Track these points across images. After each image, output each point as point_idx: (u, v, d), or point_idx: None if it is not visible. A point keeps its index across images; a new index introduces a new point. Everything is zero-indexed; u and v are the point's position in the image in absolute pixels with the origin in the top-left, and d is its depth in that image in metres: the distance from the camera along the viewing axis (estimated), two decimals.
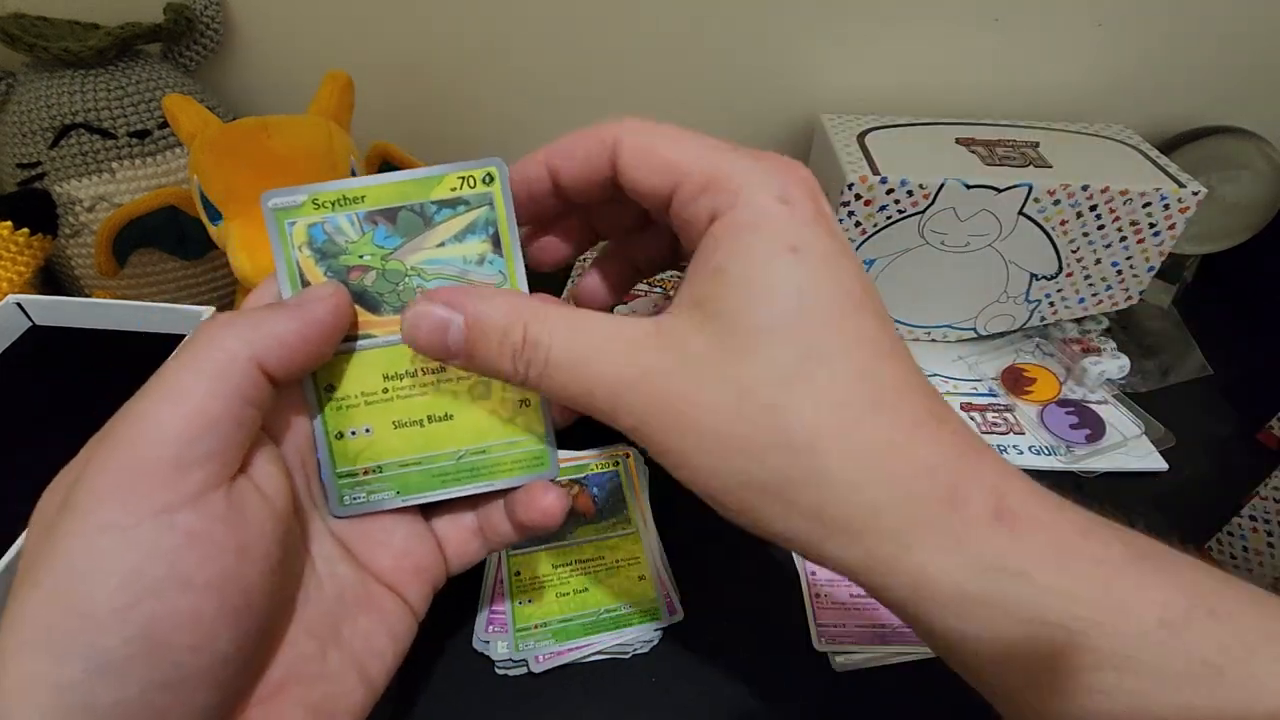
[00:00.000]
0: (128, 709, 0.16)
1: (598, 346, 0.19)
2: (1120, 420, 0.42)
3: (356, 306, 0.22)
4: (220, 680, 0.18)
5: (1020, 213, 0.40)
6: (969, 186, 0.39)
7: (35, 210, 0.40)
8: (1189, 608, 0.17)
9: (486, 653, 0.30)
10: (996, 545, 0.17)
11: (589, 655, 0.30)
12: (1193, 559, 0.18)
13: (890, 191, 0.40)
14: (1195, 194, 0.40)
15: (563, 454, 0.39)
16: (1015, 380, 0.44)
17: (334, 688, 0.20)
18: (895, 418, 0.18)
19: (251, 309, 0.20)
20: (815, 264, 0.18)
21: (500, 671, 0.30)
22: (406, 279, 0.22)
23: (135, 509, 0.17)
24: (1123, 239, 0.41)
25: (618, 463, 0.38)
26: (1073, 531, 0.18)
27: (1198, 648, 0.16)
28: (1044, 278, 0.44)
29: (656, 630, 0.32)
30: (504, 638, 0.30)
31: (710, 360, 0.18)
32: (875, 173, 0.39)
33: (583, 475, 0.37)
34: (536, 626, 0.31)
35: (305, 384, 0.22)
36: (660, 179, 0.20)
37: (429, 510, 0.24)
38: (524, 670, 0.30)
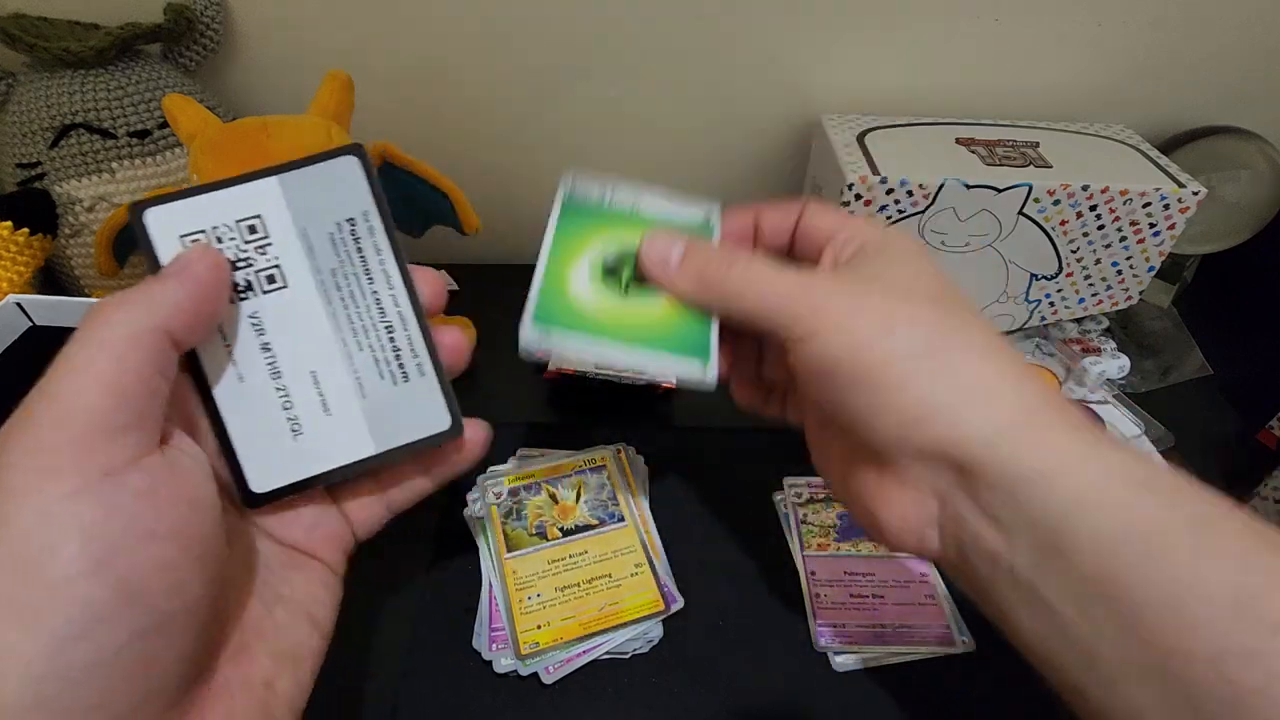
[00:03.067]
0: (111, 666, 0.17)
1: (777, 272, 0.24)
2: (1120, 420, 0.42)
3: None
4: (196, 625, 0.19)
5: (1020, 213, 0.40)
6: (969, 186, 0.39)
7: (35, 210, 0.40)
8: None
9: (491, 663, 0.30)
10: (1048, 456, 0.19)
11: (587, 660, 0.30)
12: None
13: (890, 191, 0.40)
14: (1195, 194, 0.40)
15: (557, 453, 0.39)
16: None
17: (291, 635, 0.22)
18: (991, 358, 0.22)
19: (134, 288, 0.20)
20: (930, 262, 0.25)
21: (500, 672, 0.30)
22: None
23: (84, 474, 0.17)
24: (1123, 239, 0.41)
25: (604, 460, 0.38)
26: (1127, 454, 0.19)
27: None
28: (1044, 278, 0.44)
29: (658, 623, 0.32)
30: (507, 654, 0.30)
31: (861, 287, 0.23)
32: (875, 173, 0.39)
33: (574, 471, 0.37)
34: (539, 628, 0.31)
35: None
36: (829, 225, 0.26)
37: (334, 490, 0.25)
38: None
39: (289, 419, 0.22)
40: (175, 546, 0.18)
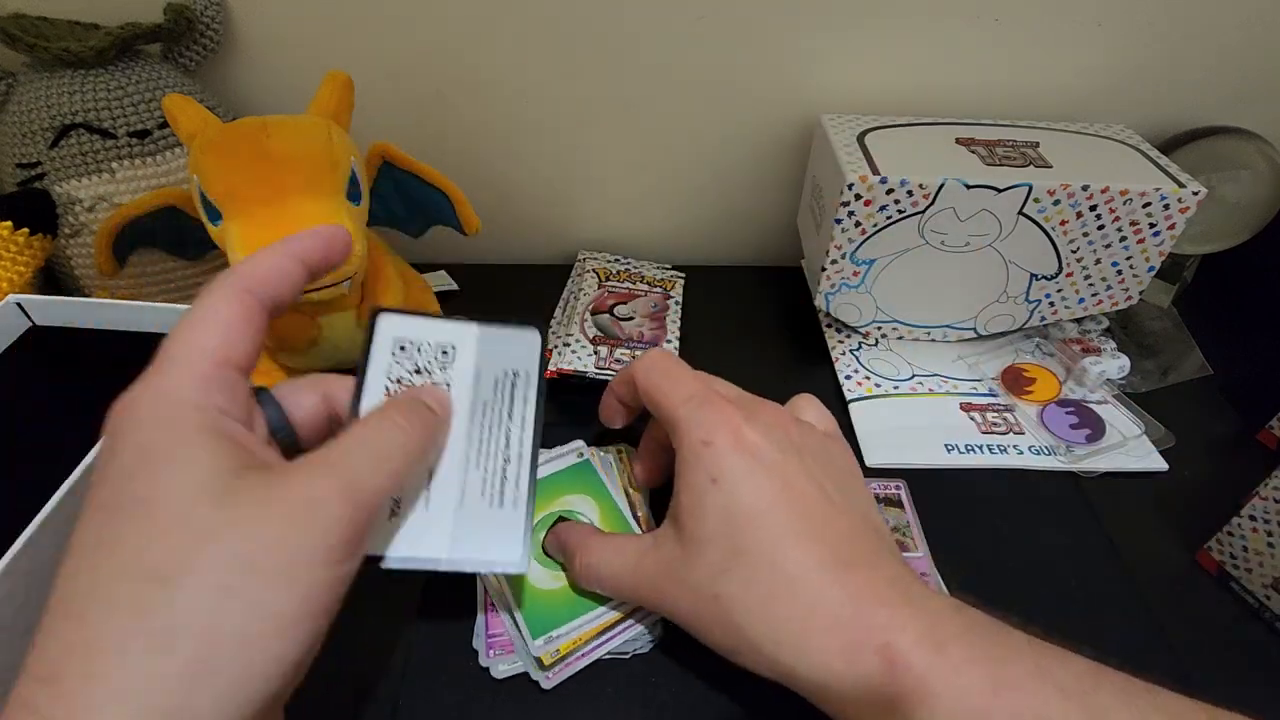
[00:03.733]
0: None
1: (620, 565, 0.29)
2: (1120, 420, 0.42)
3: None
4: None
5: (1020, 213, 0.40)
6: (969, 186, 0.39)
7: (35, 210, 0.40)
8: None
9: (490, 670, 0.30)
10: (882, 687, 0.23)
11: (587, 661, 0.30)
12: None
13: (890, 191, 0.40)
14: (1195, 194, 0.40)
15: (550, 452, 0.39)
16: (1015, 380, 0.44)
17: None
18: (795, 592, 0.25)
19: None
20: (729, 488, 0.26)
21: (499, 677, 0.30)
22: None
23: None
24: (1123, 239, 0.41)
25: (581, 454, 0.38)
26: (948, 670, 0.23)
27: None
28: (1044, 278, 0.44)
29: (658, 623, 0.32)
30: (506, 660, 0.30)
31: (679, 563, 0.27)
32: (875, 173, 0.39)
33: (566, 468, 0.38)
34: (557, 636, 0.31)
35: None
36: (657, 414, 0.30)
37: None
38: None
39: (393, 500, 0.25)
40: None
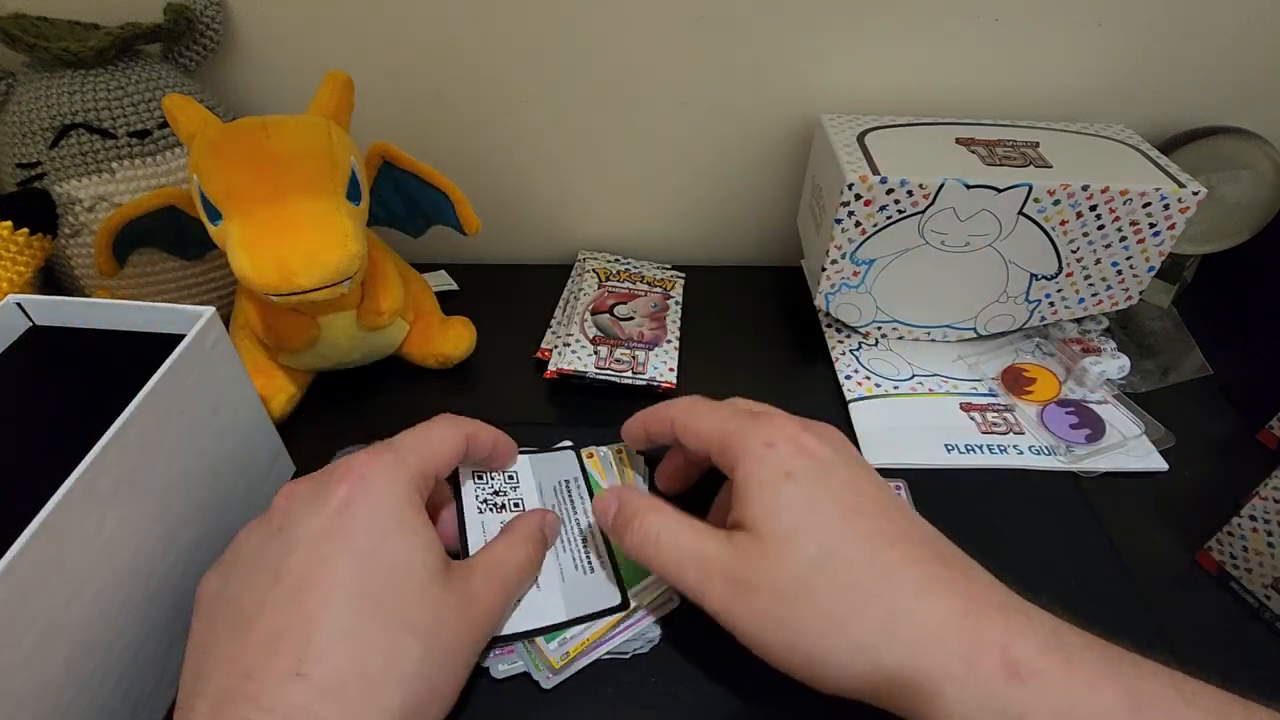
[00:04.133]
0: None
1: (689, 543, 0.28)
2: (1120, 420, 0.42)
3: None
4: None
5: (1020, 213, 0.40)
6: (969, 186, 0.39)
7: (35, 210, 0.40)
8: None
9: (490, 670, 0.30)
10: (1004, 697, 0.21)
11: (587, 660, 0.30)
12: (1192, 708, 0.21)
13: (890, 191, 0.40)
14: (1195, 194, 0.40)
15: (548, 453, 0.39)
16: (1015, 380, 0.44)
17: None
18: (898, 589, 0.24)
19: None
20: (807, 483, 0.26)
21: (498, 678, 0.30)
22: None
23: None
24: (1123, 239, 0.41)
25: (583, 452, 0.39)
26: (1081, 683, 0.21)
27: None
28: (1044, 278, 0.44)
29: (657, 623, 0.32)
30: (506, 660, 0.30)
31: (758, 561, 0.25)
32: (875, 173, 0.39)
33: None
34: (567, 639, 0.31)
35: None
36: (700, 445, 0.30)
37: None
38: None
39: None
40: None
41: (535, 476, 0.36)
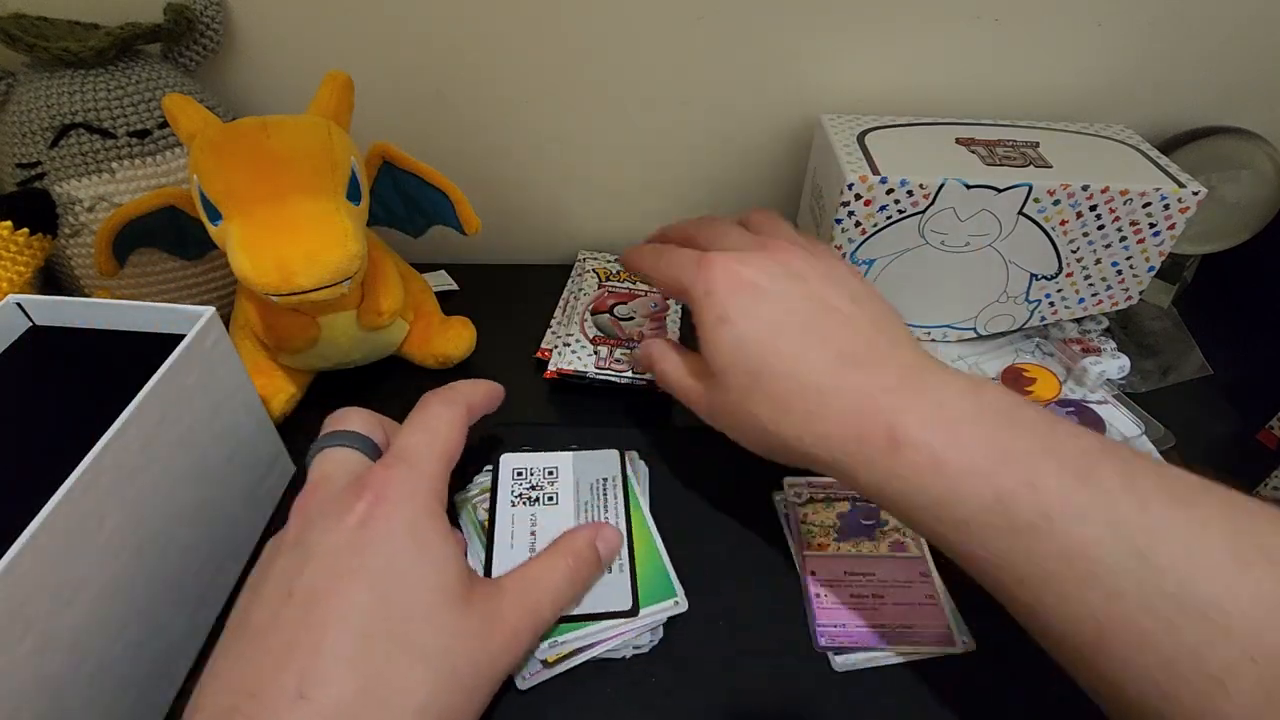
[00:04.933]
0: None
1: (691, 385, 0.34)
2: (1120, 420, 0.42)
3: None
4: None
5: (1020, 213, 0.40)
6: (969, 186, 0.39)
7: (35, 210, 0.40)
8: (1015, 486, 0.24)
9: None
10: (890, 467, 0.26)
11: (584, 658, 0.30)
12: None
13: (890, 191, 0.40)
14: (1195, 194, 0.40)
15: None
16: (1015, 380, 0.44)
17: None
18: (811, 392, 0.28)
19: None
20: (738, 321, 0.30)
21: None
22: None
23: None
24: (1123, 239, 0.41)
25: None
26: (953, 447, 0.25)
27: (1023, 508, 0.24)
28: (1044, 278, 0.44)
29: (657, 626, 0.32)
30: None
31: (717, 391, 0.32)
32: (875, 173, 0.39)
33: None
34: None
35: None
36: (675, 293, 0.34)
37: None
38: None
39: None
40: None
41: (575, 473, 0.37)
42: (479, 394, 0.34)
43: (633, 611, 0.32)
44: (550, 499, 0.35)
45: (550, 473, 0.37)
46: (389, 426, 0.32)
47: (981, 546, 0.24)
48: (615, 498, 0.36)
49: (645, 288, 0.51)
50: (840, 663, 0.31)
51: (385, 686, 0.22)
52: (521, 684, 0.29)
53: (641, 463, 0.39)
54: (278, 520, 0.37)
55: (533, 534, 0.34)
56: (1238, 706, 0.20)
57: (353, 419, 0.31)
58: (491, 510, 0.35)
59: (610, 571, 0.33)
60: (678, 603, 0.32)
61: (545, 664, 0.30)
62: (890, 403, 0.27)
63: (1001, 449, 0.25)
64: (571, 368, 0.43)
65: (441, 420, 0.30)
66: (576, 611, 0.31)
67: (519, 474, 0.36)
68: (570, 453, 0.38)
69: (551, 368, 0.44)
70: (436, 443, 0.29)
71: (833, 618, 0.33)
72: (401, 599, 0.24)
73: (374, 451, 0.30)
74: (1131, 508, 0.23)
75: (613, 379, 0.43)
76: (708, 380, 0.32)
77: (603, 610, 0.31)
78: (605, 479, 0.37)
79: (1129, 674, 0.22)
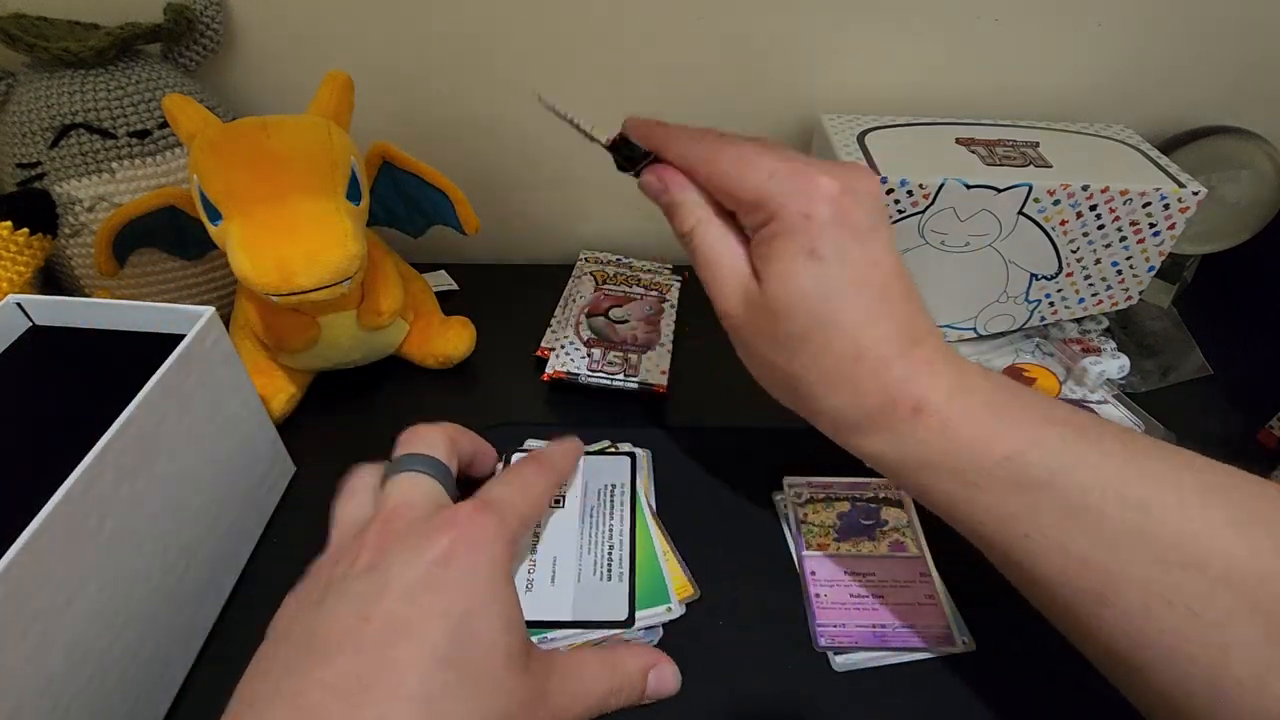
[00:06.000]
0: None
1: (728, 287, 0.29)
2: (1120, 420, 0.42)
3: None
4: None
5: (1020, 213, 0.40)
6: (969, 186, 0.39)
7: (35, 210, 0.40)
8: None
9: None
10: (905, 429, 0.27)
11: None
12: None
13: (890, 191, 0.40)
14: (1195, 194, 0.40)
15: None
16: (1015, 380, 0.44)
17: None
18: (870, 372, 0.27)
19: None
20: (827, 262, 0.27)
21: None
22: None
23: None
24: (1123, 239, 0.41)
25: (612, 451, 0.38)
26: (968, 421, 0.26)
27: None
28: (1044, 278, 0.44)
29: (657, 627, 0.32)
30: None
31: (765, 321, 0.28)
32: (875, 173, 0.39)
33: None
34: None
35: None
36: (727, 200, 0.29)
37: None
38: None
39: (529, 579, 0.33)
40: None
41: (584, 476, 0.37)
42: (569, 465, 0.33)
43: (627, 622, 0.32)
44: (557, 501, 0.35)
45: None
46: (465, 444, 0.30)
47: (989, 507, 0.26)
48: (622, 504, 0.36)
49: (641, 291, 0.51)
50: (840, 662, 0.31)
51: None
52: None
53: (645, 465, 0.39)
54: (278, 520, 0.37)
55: (535, 535, 0.34)
56: (1239, 656, 0.21)
57: (433, 441, 0.29)
58: None
59: (609, 581, 0.33)
60: (670, 609, 0.32)
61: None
62: (927, 380, 0.27)
63: (1012, 415, 0.26)
64: (564, 369, 0.43)
65: (536, 486, 0.29)
66: (572, 617, 0.31)
67: None
68: (584, 457, 0.37)
69: (548, 370, 0.44)
70: (525, 504, 0.28)
71: (833, 618, 0.33)
72: (474, 652, 0.23)
73: (449, 479, 0.28)
74: (1131, 469, 0.24)
75: (604, 381, 0.43)
76: (754, 303, 0.28)
77: (598, 619, 0.32)
78: (614, 485, 0.37)
79: (1131, 627, 0.23)
